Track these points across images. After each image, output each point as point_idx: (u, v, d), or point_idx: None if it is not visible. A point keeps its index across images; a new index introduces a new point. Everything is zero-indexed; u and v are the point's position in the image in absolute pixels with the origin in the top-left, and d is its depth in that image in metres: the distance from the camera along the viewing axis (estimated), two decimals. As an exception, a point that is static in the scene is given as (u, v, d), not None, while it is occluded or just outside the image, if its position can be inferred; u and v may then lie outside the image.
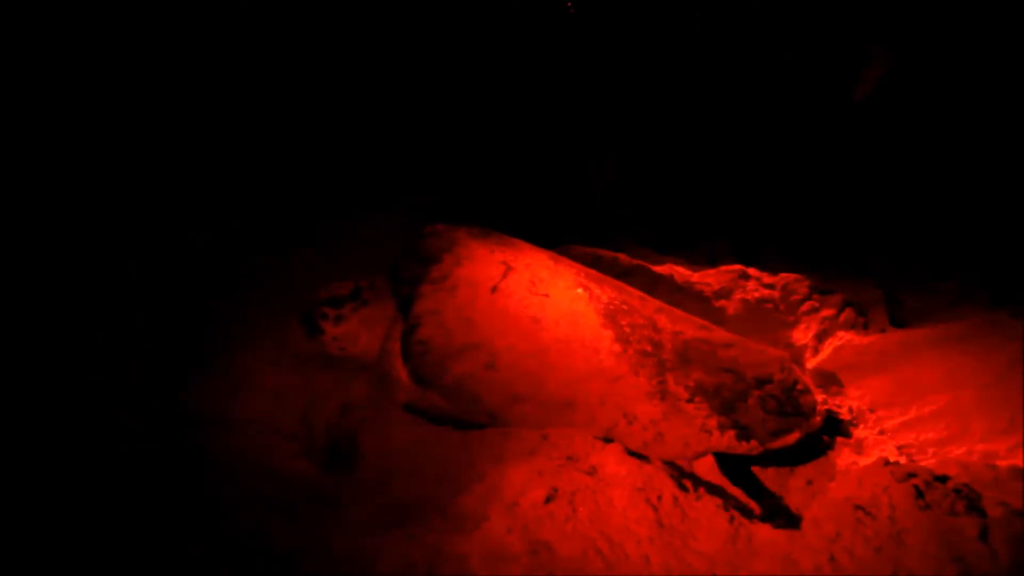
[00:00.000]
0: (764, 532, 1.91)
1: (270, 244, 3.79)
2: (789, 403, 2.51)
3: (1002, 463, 2.18)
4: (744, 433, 2.36)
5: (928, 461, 2.31)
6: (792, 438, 2.43)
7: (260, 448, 2.50)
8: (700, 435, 2.34)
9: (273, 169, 4.44)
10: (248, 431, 2.55)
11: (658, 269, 3.57)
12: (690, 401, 2.41)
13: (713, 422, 2.36)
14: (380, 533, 2.01)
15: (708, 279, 3.46)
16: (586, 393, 2.41)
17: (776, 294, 3.34)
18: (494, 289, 2.69)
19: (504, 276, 2.74)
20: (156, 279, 3.19)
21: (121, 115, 3.99)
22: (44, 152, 3.60)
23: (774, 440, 2.40)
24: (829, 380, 2.94)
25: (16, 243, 3.17)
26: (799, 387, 2.60)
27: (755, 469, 2.43)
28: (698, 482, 2.11)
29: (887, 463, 2.18)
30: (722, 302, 3.38)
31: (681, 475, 2.13)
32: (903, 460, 2.29)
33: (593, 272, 2.95)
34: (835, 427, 2.62)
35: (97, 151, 3.79)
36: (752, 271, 3.46)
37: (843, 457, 2.42)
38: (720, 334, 2.76)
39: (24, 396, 2.45)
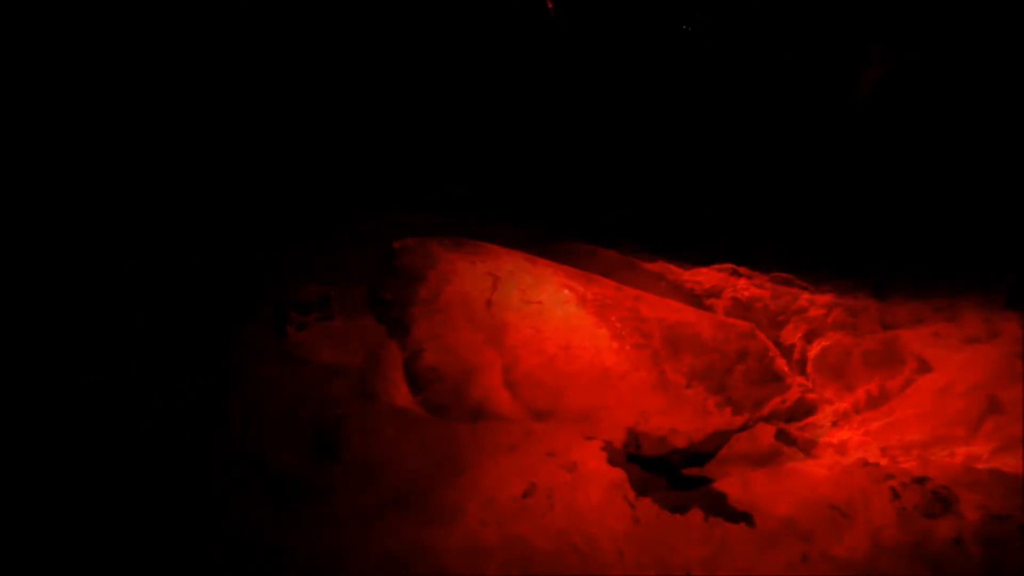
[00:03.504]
0: (738, 530, 1.94)
1: (269, 243, 3.83)
2: (766, 371, 2.69)
3: (982, 466, 2.18)
4: (737, 407, 2.52)
5: (911, 463, 2.31)
6: (775, 402, 2.61)
7: (252, 442, 2.54)
8: (704, 418, 2.46)
9: (272, 169, 4.46)
10: (241, 425, 2.57)
11: (650, 266, 3.59)
12: (689, 387, 2.54)
13: (711, 403, 2.50)
14: (362, 526, 2.06)
15: (699, 277, 3.48)
16: (602, 397, 2.48)
17: (767, 292, 3.34)
18: (489, 303, 2.70)
19: (494, 288, 2.76)
20: (156, 279, 3.20)
21: (122, 115, 4.00)
22: (45, 152, 3.60)
23: (760, 409, 2.57)
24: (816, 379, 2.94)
25: (17, 243, 3.19)
26: (770, 353, 2.76)
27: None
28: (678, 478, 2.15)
29: (866, 464, 2.19)
30: (712, 300, 3.39)
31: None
32: (885, 462, 2.30)
33: (570, 269, 2.98)
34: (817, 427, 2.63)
35: (98, 151, 3.80)
36: (743, 269, 3.48)
37: (825, 457, 2.42)
38: (691, 313, 2.87)
39: (25, 395, 2.49)
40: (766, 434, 2.43)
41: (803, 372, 2.99)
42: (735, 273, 3.44)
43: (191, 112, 4.24)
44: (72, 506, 2.12)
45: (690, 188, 4.98)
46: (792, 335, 3.12)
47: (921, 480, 2.08)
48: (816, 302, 3.24)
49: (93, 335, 2.83)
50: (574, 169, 5.19)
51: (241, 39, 4.46)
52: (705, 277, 3.47)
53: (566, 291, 2.76)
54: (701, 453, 2.46)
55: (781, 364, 2.76)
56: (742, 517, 2.07)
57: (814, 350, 2.98)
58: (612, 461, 2.13)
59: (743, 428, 2.51)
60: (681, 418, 2.43)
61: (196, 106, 4.27)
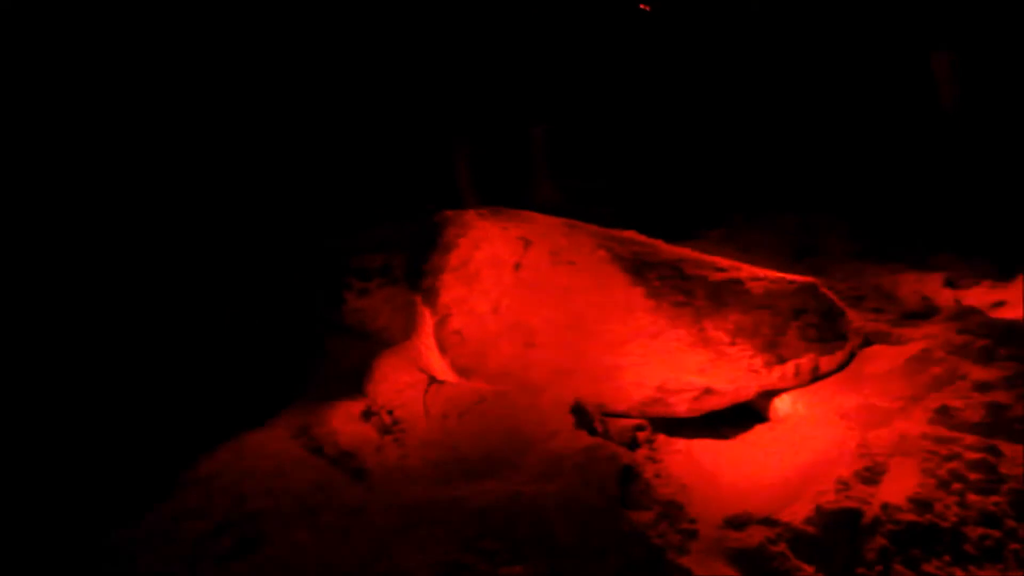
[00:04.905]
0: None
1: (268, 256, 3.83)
2: (829, 328, 2.62)
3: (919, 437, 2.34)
4: (790, 366, 2.48)
5: (851, 432, 2.42)
6: (838, 359, 2.57)
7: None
8: (748, 376, 2.44)
9: (271, 183, 4.45)
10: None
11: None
12: (733, 344, 2.50)
13: (759, 361, 2.46)
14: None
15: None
16: (629, 355, 2.50)
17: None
18: (518, 266, 2.73)
19: (525, 251, 2.77)
20: (156, 279, 3.25)
21: (123, 115, 3.92)
22: (46, 154, 3.57)
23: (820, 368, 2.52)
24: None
25: (18, 243, 3.21)
26: (835, 310, 2.69)
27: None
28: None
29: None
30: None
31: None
32: (822, 431, 2.42)
33: (611, 231, 2.99)
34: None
35: (102, 155, 3.75)
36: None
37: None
38: (748, 270, 2.78)
39: (27, 395, 2.59)
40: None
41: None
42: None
43: (191, 113, 4.17)
44: (73, 505, 2.25)
45: (690, 187, 5.07)
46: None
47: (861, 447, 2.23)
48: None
49: (93, 335, 2.89)
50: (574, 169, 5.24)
51: (242, 39, 4.38)
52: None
53: (602, 251, 2.76)
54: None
55: (847, 320, 2.72)
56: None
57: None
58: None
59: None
60: (721, 378, 2.47)
61: (195, 107, 4.21)
